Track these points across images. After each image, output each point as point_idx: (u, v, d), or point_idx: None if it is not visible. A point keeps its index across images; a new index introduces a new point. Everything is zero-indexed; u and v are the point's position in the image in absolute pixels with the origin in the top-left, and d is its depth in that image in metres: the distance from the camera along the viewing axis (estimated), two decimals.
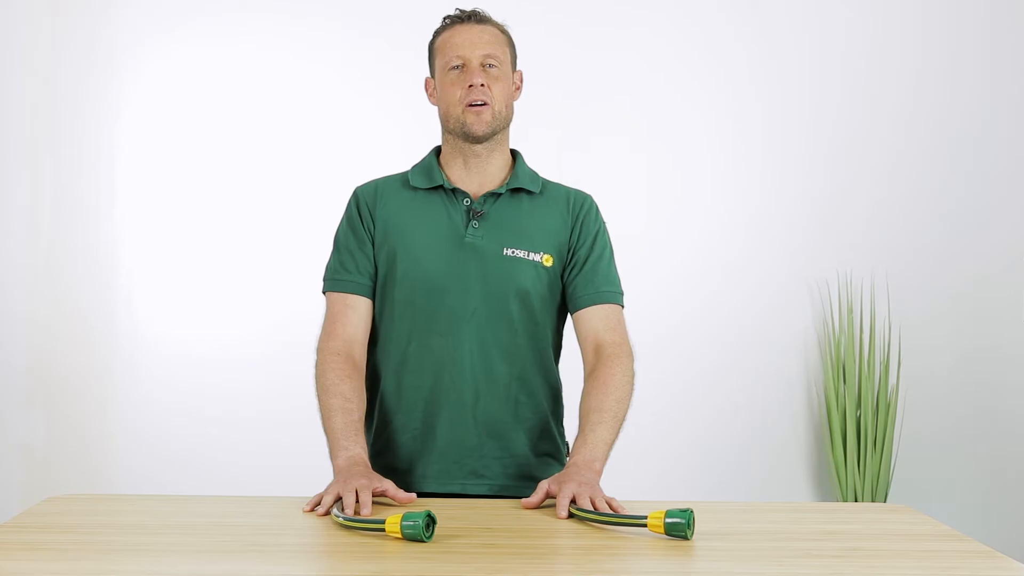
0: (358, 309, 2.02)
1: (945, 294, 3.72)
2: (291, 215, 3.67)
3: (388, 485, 1.78)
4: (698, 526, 1.62)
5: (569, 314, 2.08)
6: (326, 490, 1.77)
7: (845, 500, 3.55)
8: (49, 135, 3.66)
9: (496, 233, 2.01)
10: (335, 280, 2.04)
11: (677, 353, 3.69)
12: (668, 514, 1.57)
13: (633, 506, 1.74)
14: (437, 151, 2.10)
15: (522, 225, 2.03)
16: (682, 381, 3.69)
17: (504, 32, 2.06)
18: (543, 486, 1.80)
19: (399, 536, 1.55)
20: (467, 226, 2.01)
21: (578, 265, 2.05)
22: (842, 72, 3.75)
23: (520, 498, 1.90)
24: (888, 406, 3.58)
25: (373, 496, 1.76)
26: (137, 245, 3.68)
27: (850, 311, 3.64)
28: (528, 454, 2.04)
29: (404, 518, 1.55)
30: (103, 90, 3.69)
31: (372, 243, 2.04)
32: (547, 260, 2.03)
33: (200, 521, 1.68)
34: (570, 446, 2.09)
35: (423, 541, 1.54)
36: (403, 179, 2.08)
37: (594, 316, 2.02)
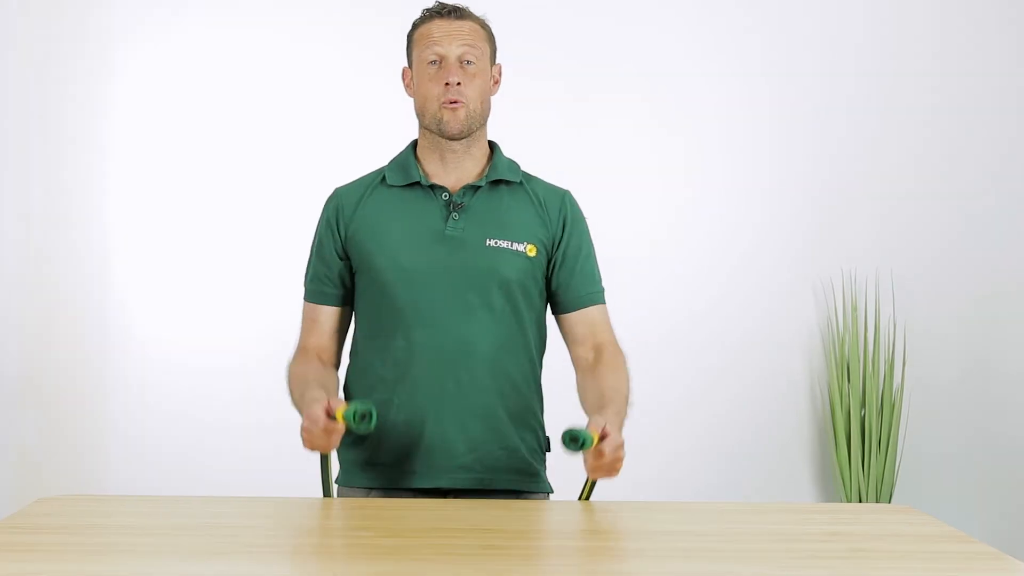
0: (325, 321, 2.08)
1: (951, 293, 3.70)
2: (286, 217, 3.62)
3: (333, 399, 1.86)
4: (700, 527, 1.62)
5: (556, 312, 2.08)
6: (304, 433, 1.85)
7: (849, 501, 3.53)
8: (42, 134, 3.64)
9: (478, 224, 2.02)
10: (307, 289, 2.11)
11: (680, 352, 3.67)
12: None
13: (633, 506, 1.73)
14: (414, 144, 2.11)
15: (503, 216, 2.04)
16: (685, 380, 3.67)
17: (484, 27, 2.06)
18: (599, 422, 1.80)
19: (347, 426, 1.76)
20: (447, 219, 2.01)
21: (568, 265, 2.06)
22: (855, 67, 3.71)
23: (509, 490, 2.00)
24: (893, 406, 3.56)
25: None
26: (129, 247, 3.65)
27: (854, 309, 3.62)
28: (513, 446, 2.03)
29: (347, 407, 1.74)
30: (94, 86, 3.66)
31: (344, 247, 2.06)
32: (531, 250, 2.03)
33: (191, 522, 1.67)
34: (551, 440, 2.10)
35: (361, 431, 1.74)
36: (380, 177, 2.09)
37: (591, 317, 2.06)
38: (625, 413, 1.94)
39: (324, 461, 1.94)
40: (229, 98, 3.67)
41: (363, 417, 1.77)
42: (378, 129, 3.59)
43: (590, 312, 2.05)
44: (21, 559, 1.44)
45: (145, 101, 3.66)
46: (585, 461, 1.79)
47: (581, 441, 1.72)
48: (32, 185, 3.65)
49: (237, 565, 1.43)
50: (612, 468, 1.79)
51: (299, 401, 1.96)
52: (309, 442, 1.84)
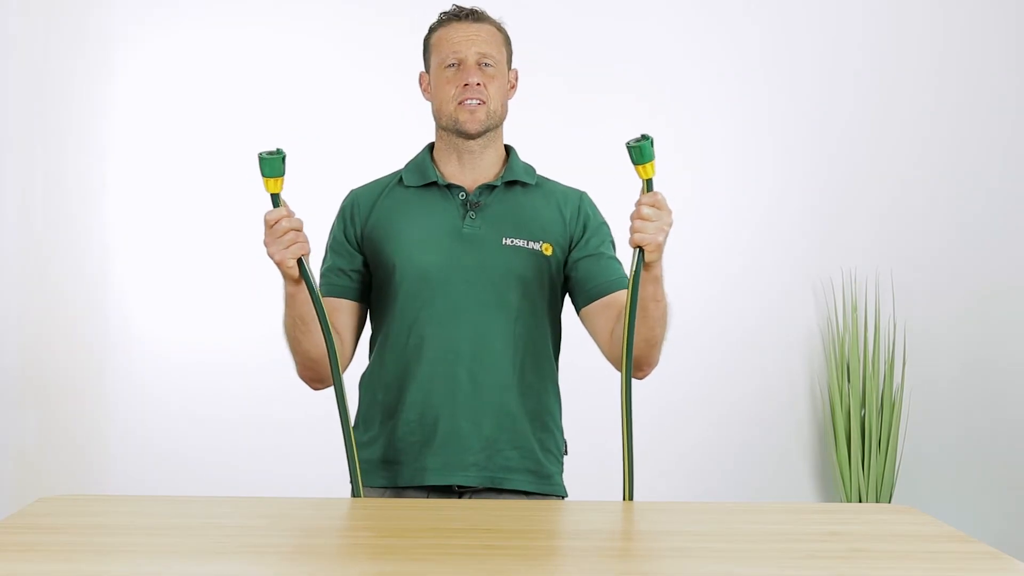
0: (336, 313, 2.05)
1: (951, 293, 3.70)
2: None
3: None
4: (700, 527, 1.61)
5: (583, 303, 2.06)
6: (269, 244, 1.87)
7: (849, 501, 3.53)
8: (42, 134, 3.64)
9: (495, 223, 2.03)
10: (320, 283, 2.08)
11: (680, 352, 3.63)
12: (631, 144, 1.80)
13: (634, 506, 1.72)
14: (431, 147, 2.12)
15: (520, 215, 2.04)
16: (685, 380, 3.66)
17: (501, 30, 2.08)
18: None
19: (268, 178, 1.82)
20: (464, 218, 2.02)
21: (591, 257, 2.05)
22: (857, 67, 3.71)
23: (522, 491, 2.00)
24: (893, 406, 3.56)
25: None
26: (129, 247, 3.65)
27: (854, 309, 3.62)
28: (527, 446, 2.03)
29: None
30: (94, 86, 3.65)
31: (360, 245, 2.06)
32: (547, 249, 2.04)
33: (191, 522, 1.66)
34: (567, 443, 2.12)
35: (275, 159, 1.80)
36: (397, 178, 2.11)
37: (622, 299, 1.99)
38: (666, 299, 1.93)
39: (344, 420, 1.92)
40: (229, 98, 3.66)
41: (270, 153, 1.82)
42: (379, 129, 3.61)
43: (622, 295, 2.00)
44: (21, 559, 1.44)
45: (145, 101, 3.66)
46: (636, 205, 1.81)
47: (646, 138, 1.80)
48: (32, 185, 3.65)
49: (237, 565, 1.42)
50: (661, 223, 1.80)
51: (285, 318, 1.99)
52: (270, 244, 1.85)
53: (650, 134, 1.81)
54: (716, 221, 3.70)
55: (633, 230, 1.81)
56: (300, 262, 1.86)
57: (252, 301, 3.62)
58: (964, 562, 1.48)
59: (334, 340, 1.93)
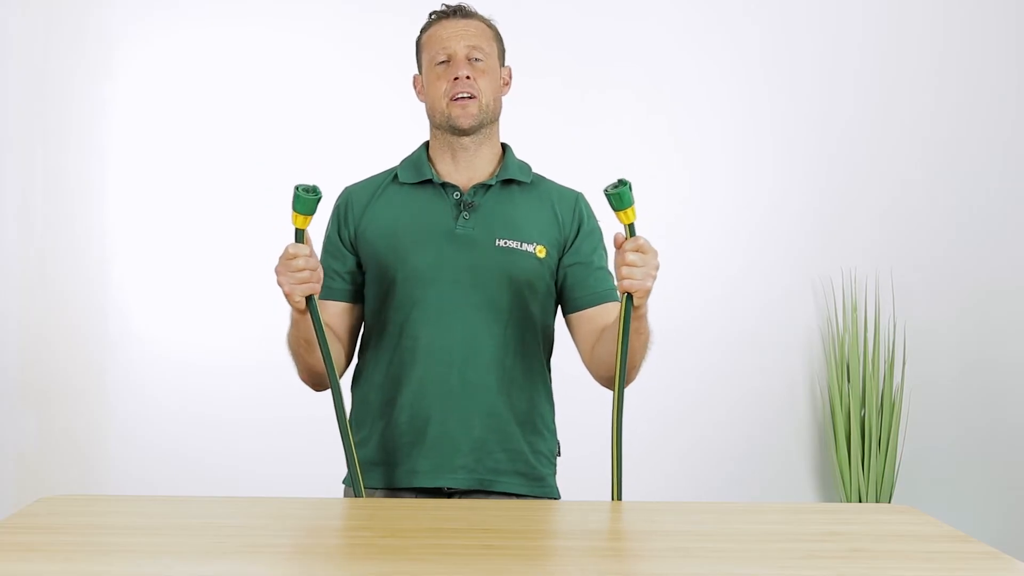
0: (332, 317, 2.05)
1: (951, 293, 3.70)
2: (286, 216, 3.62)
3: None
4: (700, 527, 1.61)
5: (570, 310, 2.07)
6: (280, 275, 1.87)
7: (849, 501, 3.53)
8: (42, 134, 3.64)
9: (488, 224, 2.02)
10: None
11: (681, 352, 3.66)
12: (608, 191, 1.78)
13: (634, 506, 1.72)
14: (427, 144, 2.12)
15: (515, 216, 2.04)
16: (685, 381, 3.67)
17: (491, 27, 2.09)
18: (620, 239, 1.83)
19: (298, 214, 1.83)
20: (457, 218, 2.01)
21: (583, 264, 2.05)
22: (857, 66, 3.71)
23: (512, 494, 1.99)
24: (893, 406, 3.56)
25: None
26: (129, 247, 3.65)
27: (854, 309, 3.61)
28: (516, 448, 2.02)
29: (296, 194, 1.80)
30: (94, 86, 3.65)
31: (353, 244, 2.07)
32: (540, 251, 2.03)
33: (191, 522, 1.66)
34: (560, 445, 2.11)
35: (310, 201, 1.80)
36: (392, 175, 2.10)
37: (609, 311, 2.02)
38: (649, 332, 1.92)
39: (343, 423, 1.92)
40: (229, 98, 3.66)
41: (307, 191, 1.82)
42: (379, 129, 3.61)
43: (608, 307, 2.02)
44: (21, 559, 1.44)
45: (145, 101, 3.66)
46: (620, 251, 1.80)
47: (624, 183, 1.78)
48: (32, 185, 3.65)
49: (237, 565, 1.42)
50: (648, 267, 1.80)
51: (289, 333, 1.99)
52: (282, 274, 1.85)
53: (627, 179, 1.80)
54: (716, 221, 3.70)
55: (620, 277, 1.80)
56: (309, 298, 1.87)
57: (252, 301, 3.62)
58: (964, 562, 1.48)
59: (330, 347, 1.93)
